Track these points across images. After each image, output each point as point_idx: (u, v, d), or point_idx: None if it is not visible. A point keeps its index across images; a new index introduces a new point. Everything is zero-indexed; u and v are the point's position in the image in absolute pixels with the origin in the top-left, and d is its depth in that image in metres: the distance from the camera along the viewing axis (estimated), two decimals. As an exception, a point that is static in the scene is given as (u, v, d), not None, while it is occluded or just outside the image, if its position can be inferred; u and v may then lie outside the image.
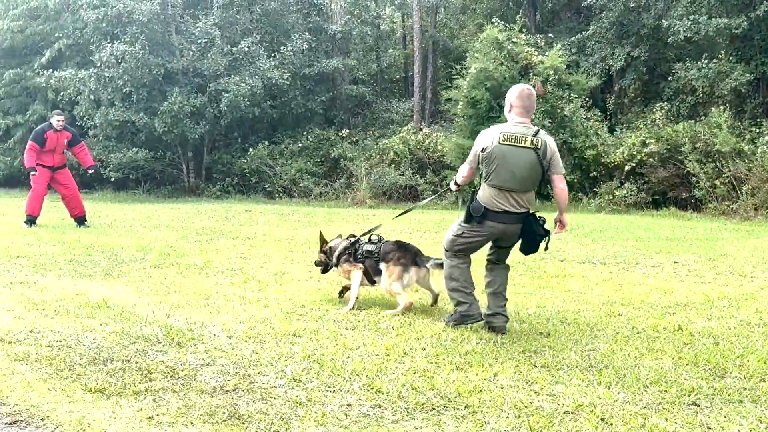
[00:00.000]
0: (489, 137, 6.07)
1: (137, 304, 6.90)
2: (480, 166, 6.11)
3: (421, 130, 22.15)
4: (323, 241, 7.59)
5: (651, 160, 17.62)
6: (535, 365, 5.06)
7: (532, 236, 6.17)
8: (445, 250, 6.41)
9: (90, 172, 14.72)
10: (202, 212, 17.12)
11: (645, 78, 22.67)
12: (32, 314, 6.46)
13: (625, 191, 17.61)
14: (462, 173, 6.38)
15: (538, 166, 5.99)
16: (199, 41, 21.49)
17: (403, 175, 20.40)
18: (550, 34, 21.69)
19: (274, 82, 21.27)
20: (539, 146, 5.97)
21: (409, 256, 6.91)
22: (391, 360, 5.15)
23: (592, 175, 18.44)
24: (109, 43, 20.70)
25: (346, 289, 7.33)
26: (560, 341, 5.71)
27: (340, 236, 7.68)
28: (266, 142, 22.66)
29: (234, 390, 4.53)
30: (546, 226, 6.17)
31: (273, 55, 22.07)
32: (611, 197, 17.68)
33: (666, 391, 4.54)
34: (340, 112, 24.81)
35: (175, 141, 21.66)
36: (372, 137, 23.16)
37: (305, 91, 23.97)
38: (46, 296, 7.22)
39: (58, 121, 13.66)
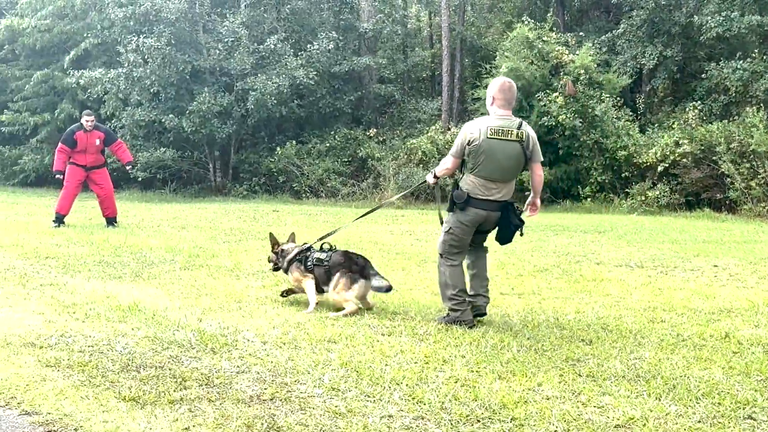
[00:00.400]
0: (476, 130, 6.27)
1: (168, 308, 6.80)
2: (466, 158, 6.33)
3: (449, 129, 21.97)
4: (275, 242, 7.74)
5: (684, 160, 17.36)
6: (579, 374, 4.90)
7: (508, 225, 6.46)
8: (440, 255, 6.62)
9: (128, 167, 14.54)
10: (230, 212, 17.05)
11: (676, 77, 22.37)
12: (63, 318, 6.38)
13: (657, 192, 17.36)
14: (445, 165, 6.57)
15: (522, 158, 6.28)
16: (225, 40, 21.42)
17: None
18: (581, 33, 21.41)
19: (301, 81, 21.14)
20: (524, 138, 6.25)
21: (357, 268, 6.99)
22: (431, 368, 5.01)
23: (623, 175, 18.18)
24: (134, 37, 20.68)
25: (290, 291, 7.45)
26: (603, 349, 5.54)
27: (293, 236, 7.89)
28: (293, 142, 22.57)
29: (271, 399, 4.40)
30: (522, 217, 6.49)
31: (299, 53, 21.96)
32: (644, 198, 17.43)
33: (719, 403, 4.37)
34: (367, 111, 24.67)
35: (202, 141, 21.63)
36: (399, 137, 23.01)
37: (333, 90, 23.86)
38: (76, 299, 7.14)
39: (87, 121, 13.62)
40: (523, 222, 6.46)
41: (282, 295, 7.43)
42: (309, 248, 7.47)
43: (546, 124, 17.84)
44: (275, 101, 20.91)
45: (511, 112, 6.35)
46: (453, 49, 23.02)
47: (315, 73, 21.64)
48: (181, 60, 20.81)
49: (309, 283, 7.14)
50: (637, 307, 7.10)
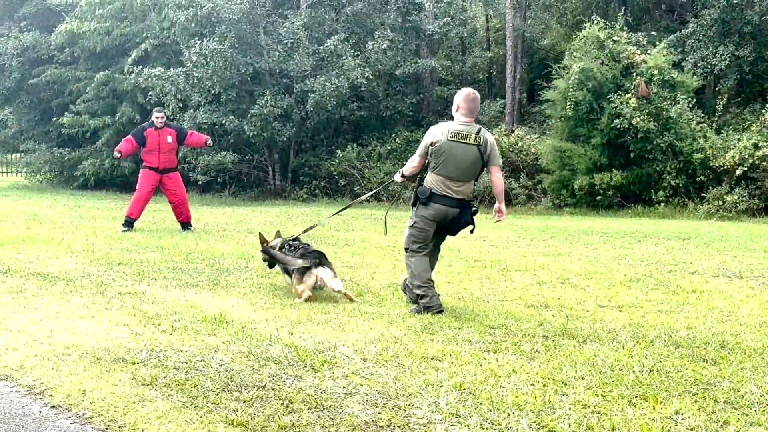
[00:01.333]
0: (439, 133, 7.06)
1: (256, 320, 6.55)
2: (429, 157, 7.11)
3: (512, 131, 21.54)
4: (263, 240, 8.56)
5: (764, 163, 16.72)
6: (716, 400, 4.51)
7: (462, 223, 7.29)
8: (406, 250, 7.32)
9: (210, 144, 14.16)
10: (293, 216, 16.84)
11: (747, 77, 21.67)
12: (149, 330, 6.16)
13: (735, 197, 16.74)
14: (411, 164, 7.36)
15: (479, 160, 7.06)
16: (285, 41, 21.24)
17: (495, 178, 19.80)
18: (653, 33, 20.82)
19: (356, 82, 20.85)
20: (481, 143, 7.03)
21: (314, 260, 7.79)
22: (551, 391, 4.67)
23: (698, 179, 17.58)
24: (198, 40, 20.60)
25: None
26: (732, 371, 5.13)
27: (278, 234, 8.80)
28: (354, 144, 22.31)
29: (389, 426, 4.11)
30: (474, 217, 7.34)
31: (357, 54, 21.70)
32: (721, 203, 16.83)
33: None
34: (428, 114, 24.32)
35: (263, 144, 21.47)
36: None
37: (394, 92, 23.56)
38: (159, 309, 6.92)
39: (158, 117, 13.31)
40: (473, 221, 7.31)
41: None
42: (286, 241, 8.43)
43: (618, 126, 17.33)
44: (334, 103, 20.67)
45: (473, 120, 7.18)
46: (516, 50, 22.56)
47: (371, 72, 21.27)
48: (243, 62, 20.67)
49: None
50: (752, 323, 6.67)
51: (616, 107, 17.45)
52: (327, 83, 20.32)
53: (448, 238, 7.78)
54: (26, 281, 8.25)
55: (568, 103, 18.03)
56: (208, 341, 5.80)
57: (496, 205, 7.40)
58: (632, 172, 17.74)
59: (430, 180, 7.15)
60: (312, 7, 22.53)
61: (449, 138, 6.98)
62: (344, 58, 21.35)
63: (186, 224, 13.70)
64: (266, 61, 21.33)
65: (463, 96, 7.19)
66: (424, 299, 7.00)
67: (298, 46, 21.06)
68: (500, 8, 30.13)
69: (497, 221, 7.53)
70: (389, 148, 22.17)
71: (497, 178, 7.25)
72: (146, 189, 13.55)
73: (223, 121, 20.48)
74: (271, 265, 8.50)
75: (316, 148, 22.97)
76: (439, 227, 7.29)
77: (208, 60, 20.28)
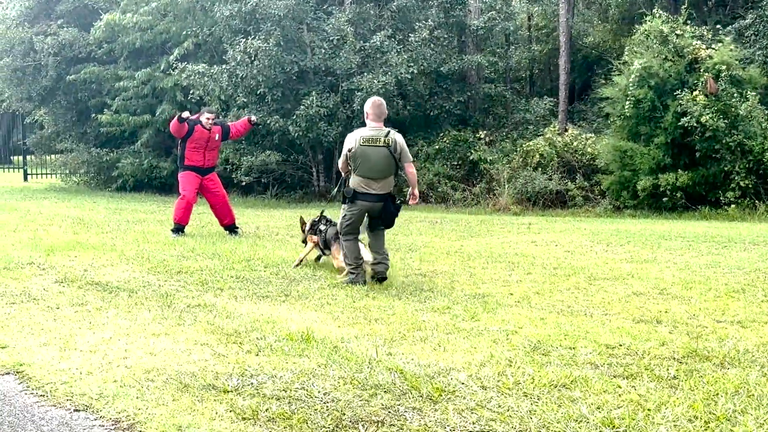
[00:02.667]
0: (353, 140, 8.26)
1: (345, 338, 6.00)
2: (349, 162, 8.31)
3: (566, 130, 20.84)
4: (304, 222, 10.08)
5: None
6: None
7: (389, 214, 8.55)
8: (340, 234, 8.65)
9: (254, 121, 13.53)
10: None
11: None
12: (232, 350, 5.63)
13: (812, 198, 15.98)
14: (340, 166, 8.61)
15: (391, 159, 8.23)
16: (331, 38, 20.68)
17: (551, 179, 19.13)
18: (718, 26, 20.00)
19: (401, 78, 20.23)
20: (390, 144, 8.19)
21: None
22: (716, 429, 4.06)
23: (770, 179, 16.82)
24: (243, 38, 20.09)
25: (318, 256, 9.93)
26: None
27: (302, 220, 10.23)
28: (404, 145, 21.70)
29: (547, 475, 3.51)
30: (402, 206, 8.85)
31: (400, 50, 21.08)
32: (793, 205, 16.08)
33: None
34: (474, 112, 23.65)
35: (307, 144, 20.92)
36: (510, 138, 21.96)
37: (440, 90, 22.93)
38: (235, 324, 6.39)
39: (208, 118, 12.75)
40: (398, 210, 8.64)
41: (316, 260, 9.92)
42: (318, 220, 9.79)
43: (686, 124, 16.58)
44: (395, 102, 20.11)
45: (382, 124, 8.36)
46: (567, 46, 21.81)
47: (415, 68, 20.61)
48: (288, 60, 20.14)
49: (310, 244, 9.79)
50: None
51: (681, 105, 16.69)
52: (374, 81, 19.73)
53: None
54: (86, 292, 7.75)
55: (628, 102, 17.27)
56: (301, 364, 5.25)
57: (410, 190, 8.69)
58: (698, 172, 16.98)
59: (354, 181, 8.37)
60: (357, 3, 21.96)
61: (361, 144, 8.19)
62: (389, 54, 20.76)
63: (232, 227, 13.18)
64: (311, 59, 20.79)
65: (371, 104, 8.35)
66: (352, 275, 8.43)
67: (345, 42, 20.48)
68: (545, 4, 29.51)
69: (412, 204, 9.09)
70: (437, 147, 21.50)
71: (410, 173, 8.52)
72: (192, 193, 12.95)
73: (268, 121, 19.93)
74: (304, 241, 9.99)
75: (361, 148, 22.41)
76: (370, 216, 8.56)
77: (253, 59, 19.76)
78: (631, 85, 17.30)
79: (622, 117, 17.90)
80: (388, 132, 8.27)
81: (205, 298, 7.55)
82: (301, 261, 9.66)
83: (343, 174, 8.63)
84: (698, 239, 12.05)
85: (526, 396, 4.60)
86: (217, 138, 12.89)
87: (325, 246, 9.48)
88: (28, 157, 33.27)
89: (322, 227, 9.60)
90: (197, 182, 12.87)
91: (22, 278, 8.45)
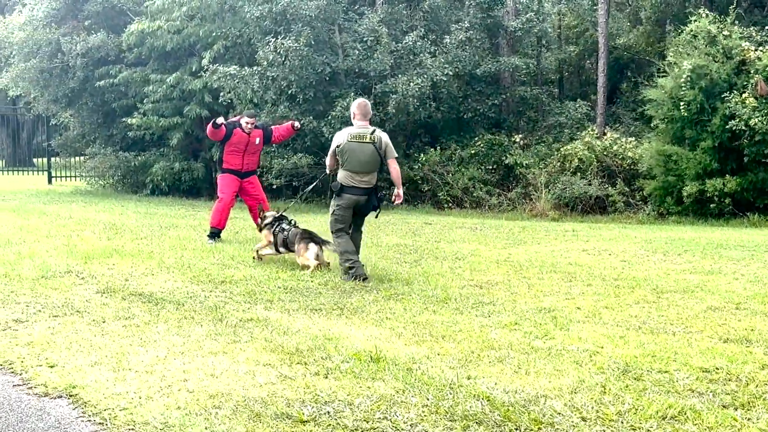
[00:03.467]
0: (341, 138, 8.99)
1: (416, 358, 5.60)
2: (337, 157, 9.01)
3: (605, 134, 20.35)
4: (264, 216, 10.68)
5: None
6: None
7: (369, 205, 9.15)
8: (332, 233, 9.24)
9: (298, 127, 12.86)
10: (380, 225, 15.85)
11: None
12: (298, 372, 5.25)
13: None
14: (328, 162, 9.31)
15: (376, 155, 8.93)
16: (365, 39, 20.28)
17: (590, 184, 18.65)
18: (767, 27, 19.45)
19: (435, 80, 19.78)
20: (376, 141, 8.91)
21: (308, 236, 9.87)
22: None
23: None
24: (273, 38, 19.71)
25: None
26: None
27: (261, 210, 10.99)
28: (437, 148, 21.26)
29: None
30: (391, 203, 9.51)
31: (434, 51, 20.64)
32: None
33: None
34: (509, 115, 23.19)
35: (340, 147, 20.51)
36: (545, 142, 21.49)
37: (475, 93, 22.48)
38: (295, 341, 6.01)
39: (248, 122, 12.32)
40: (380, 205, 9.28)
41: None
42: (280, 218, 10.49)
43: (734, 128, 16.07)
44: (417, 104, 19.66)
45: (368, 122, 9.12)
46: (606, 47, 21.29)
47: (450, 70, 20.16)
48: (320, 61, 19.75)
49: (263, 241, 10.52)
50: None
51: (730, 107, 16.19)
52: (410, 84, 19.31)
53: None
54: (130, 304, 7.40)
55: (683, 103, 16.70)
56: (376, 389, 4.86)
57: (395, 190, 9.44)
58: (746, 177, 16.46)
59: (341, 175, 9.03)
60: (388, 3, 21.55)
61: (349, 140, 8.92)
62: (422, 55, 20.35)
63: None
64: (341, 60, 20.41)
65: (356, 105, 9.17)
66: (352, 269, 8.86)
67: (378, 43, 20.07)
68: (576, 3, 29.01)
69: (396, 203, 9.59)
70: (472, 152, 21.03)
71: (394, 169, 9.21)
72: (230, 196, 12.58)
73: (301, 121, 19.54)
74: (260, 229, 10.68)
75: (392, 152, 21.94)
76: (354, 212, 9.15)
77: (284, 59, 19.38)
78: (682, 85, 16.75)
79: (666, 120, 17.40)
80: (374, 130, 9.03)
81: (256, 312, 7.17)
82: (260, 257, 10.42)
83: (328, 171, 9.43)
84: (759, 248, 11.58)
85: (635, 430, 4.19)
86: (257, 142, 12.51)
87: (284, 245, 10.08)
88: (51, 160, 33.04)
89: (285, 226, 10.25)
90: (236, 185, 12.50)
91: (62, 288, 8.10)
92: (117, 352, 5.71)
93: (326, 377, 5.12)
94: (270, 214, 10.67)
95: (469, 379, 5.09)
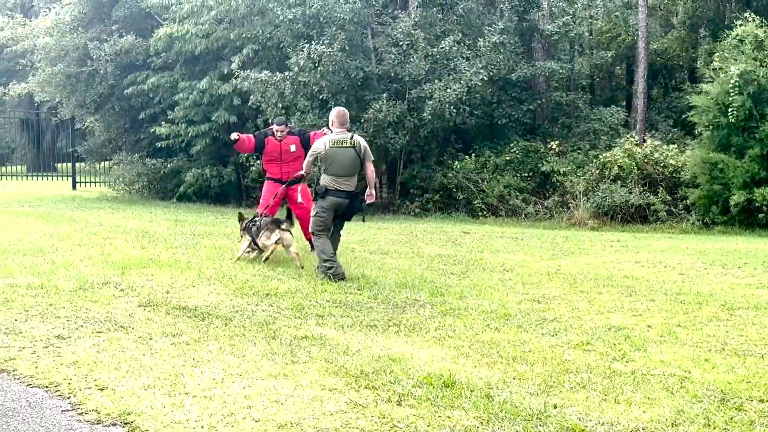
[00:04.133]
0: (322, 145, 9.40)
1: (491, 383, 5.21)
2: (318, 163, 9.61)
3: (644, 141, 19.87)
4: (242, 218, 11.34)
5: None
6: None
7: (352, 209, 9.61)
8: (312, 233, 9.73)
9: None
10: (417, 234, 15.49)
11: None
12: (369, 398, 4.90)
13: None
14: (304, 166, 9.96)
15: (357, 158, 9.38)
16: (400, 43, 19.91)
17: (631, 192, 18.19)
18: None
19: (470, 85, 19.35)
20: (356, 145, 9.37)
21: (274, 224, 10.55)
22: None
23: None
24: (306, 43, 19.38)
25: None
26: None
27: (241, 216, 11.51)
28: (472, 155, 20.85)
29: None
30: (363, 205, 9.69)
31: (469, 56, 20.24)
32: None
33: None
34: (543, 121, 22.74)
35: (373, 152, 20.12)
36: (582, 149, 21.03)
37: (509, 98, 22.05)
38: (357, 363, 5.67)
39: (278, 130, 11.99)
40: (363, 208, 9.70)
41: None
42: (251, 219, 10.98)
43: (786, 136, 15.63)
44: (454, 110, 19.27)
45: (346, 129, 9.57)
46: (646, 52, 20.84)
47: (485, 75, 19.75)
48: (353, 66, 19.39)
49: (246, 242, 10.93)
50: None
51: (780, 115, 15.74)
52: (447, 89, 18.93)
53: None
54: (176, 319, 7.05)
55: (729, 110, 16.22)
56: (458, 419, 4.51)
57: (368, 190, 9.70)
58: (795, 191, 15.97)
59: (324, 179, 9.47)
60: (422, 7, 21.21)
61: (331, 146, 9.33)
62: (457, 60, 19.97)
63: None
64: (374, 64, 20.06)
65: (335, 113, 9.61)
66: (331, 269, 9.35)
67: (416, 48, 19.69)
68: (609, 8, 28.62)
69: (368, 202, 9.74)
70: (507, 158, 20.59)
71: (370, 171, 9.62)
72: (266, 202, 12.14)
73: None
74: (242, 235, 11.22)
75: (425, 158, 21.48)
76: (336, 215, 9.60)
77: (317, 64, 19.03)
78: (730, 91, 16.27)
79: (712, 127, 16.92)
80: (353, 135, 9.52)
81: (309, 328, 6.81)
82: (240, 256, 10.84)
83: (304, 173, 10.13)
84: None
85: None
86: (293, 149, 12.02)
87: (258, 236, 10.62)
88: (75, 165, 32.84)
89: (257, 219, 10.85)
90: (275, 190, 12.10)
91: (103, 301, 7.77)
92: (170, 373, 5.36)
93: (400, 404, 4.75)
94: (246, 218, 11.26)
95: (555, 408, 4.70)
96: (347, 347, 6.12)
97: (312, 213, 9.67)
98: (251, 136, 12.36)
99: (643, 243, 14.05)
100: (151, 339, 6.33)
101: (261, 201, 12.17)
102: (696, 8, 28.34)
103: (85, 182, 31.99)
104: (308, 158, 9.74)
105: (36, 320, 6.94)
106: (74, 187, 31.42)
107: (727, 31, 18.33)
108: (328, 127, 9.93)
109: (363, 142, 9.56)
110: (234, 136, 12.02)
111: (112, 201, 24.01)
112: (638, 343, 6.41)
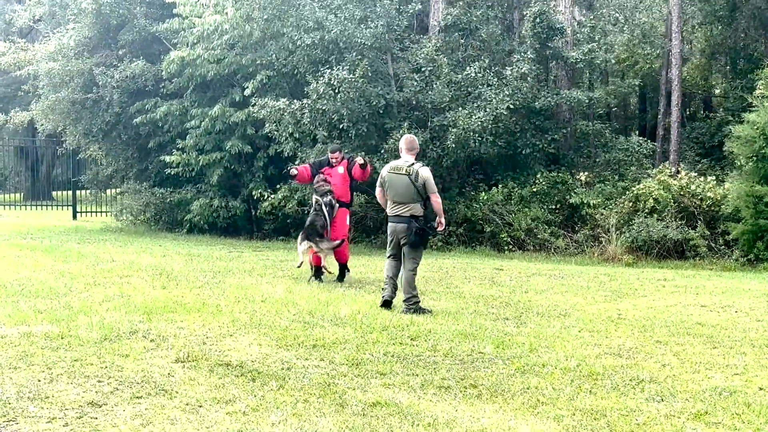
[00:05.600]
0: (384, 171, 9.82)
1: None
2: (383, 189, 9.84)
3: (678, 172, 19.09)
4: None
5: None
6: None
7: (410, 232, 9.57)
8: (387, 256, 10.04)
9: (362, 162, 12.51)
10: (449, 270, 14.67)
11: None
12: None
13: None
14: (377, 195, 10.20)
15: (411, 186, 9.51)
16: (423, 69, 19.18)
17: (668, 227, 17.37)
18: None
19: (497, 113, 18.59)
20: (411, 173, 9.52)
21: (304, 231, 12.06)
22: None
23: None
24: (327, 68, 18.64)
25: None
26: None
27: None
28: (499, 186, 20.04)
29: None
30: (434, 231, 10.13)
31: (497, 83, 19.47)
32: None
33: None
34: (568, 151, 21.94)
35: (394, 184, 19.31)
36: (610, 180, 20.26)
37: (532, 127, 21.29)
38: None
39: (333, 158, 12.61)
40: (422, 234, 9.71)
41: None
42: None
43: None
44: (479, 139, 18.50)
45: (414, 156, 9.77)
46: (679, 78, 20.12)
47: (510, 103, 18.99)
48: (374, 93, 18.63)
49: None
50: None
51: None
52: (472, 117, 18.17)
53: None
54: (223, 379, 6.22)
55: (765, 139, 15.53)
56: None
57: (437, 218, 9.90)
58: None
59: (387, 205, 9.86)
60: (445, 31, 20.52)
61: (389, 171, 9.75)
62: (482, 87, 19.24)
63: (342, 266, 12.71)
64: (395, 91, 19.30)
65: (402, 140, 10.01)
66: (383, 291, 9.94)
67: (439, 74, 18.97)
68: (630, 35, 27.96)
69: (439, 230, 10.21)
70: (535, 190, 19.77)
71: (435, 203, 9.78)
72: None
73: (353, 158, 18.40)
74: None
75: (447, 189, 20.65)
76: (400, 242, 9.82)
77: (336, 91, 18.26)
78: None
79: (756, 158, 16.17)
80: (413, 164, 9.64)
81: (377, 391, 5.99)
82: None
83: (381, 202, 10.25)
84: None
85: None
86: (341, 171, 12.62)
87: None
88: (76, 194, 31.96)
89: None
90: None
91: (134, 355, 6.92)
92: (235, 456, 4.52)
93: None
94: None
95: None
96: (434, 419, 5.29)
97: None
98: (307, 166, 13.19)
99: (693, 282, 13.26)
100: (200, 407, 5.49)
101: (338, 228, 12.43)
102: (714, 35, 27.89)
103: (86, 212, 31.17)
104: (377, 187, 10.06)
105: (63, 381, 6.10)
106: (74, 217, 30.59)
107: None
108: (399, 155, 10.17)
109: (424, 173, 9.59)
110: (293, 171, 13.01)
111: (117, 233, 23.17)
112: (764, 413, 5.58)
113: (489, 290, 12.02)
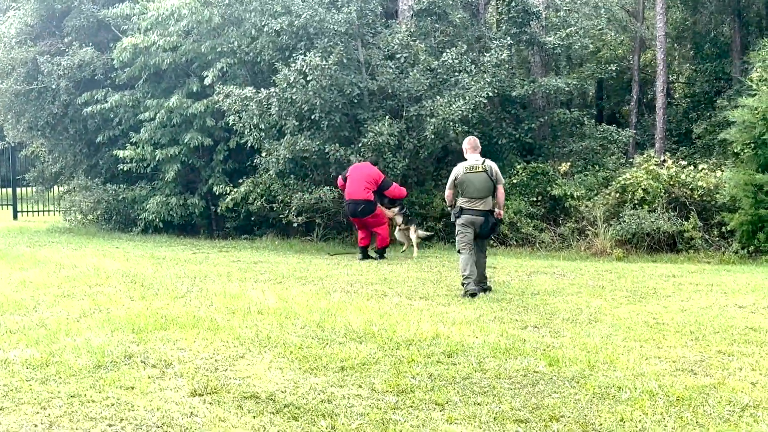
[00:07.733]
0: (458, 171, 10.79)
1: None
2: (456, 188, 10.89)
3: (664, 161, 18.47)
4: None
5: None
6: None
7: (488, 224, 10.78)
8: (458, 251, 11.00)
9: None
10: (442, 270, 13.80)
11: None
12: None
13: None
14: (446, 196, 11.27)
15: (489, 181, 10.66)
16: (397, 56, 18.23)
17: (660, 219, 16.70)
18: None
19: (477, 103, 17.73)
20: (487, 169, 10.68)
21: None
22: None
23: None
24: (300, 54, 17.55)
25: None
26: None
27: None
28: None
29: None
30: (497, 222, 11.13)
31: (475, 71, 18.60)
32: None
33: None
34: (544, 141, 21.19)
35: (370, 179, 18.32)
36: (591, 171, 19.59)
37: (509, 116, 20.49)
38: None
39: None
40: (497, 223, 11.10)
41: None
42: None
43: None
44: (459, 129, 17.61)
45: (479, 154, 10.90)
46: (665, 64, 19.52)
47: (489, 90, 18.14)
48: (347, 81, 17.61)
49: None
50: None
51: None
52: (452, 105, 17.28)
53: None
54: (260, 419, 5.26)
55: (764, 125, 14.93)
56: None
57: (496, 210, 10.91)
58: None
59: (460, 201, 10.78)
60: (417, 15, 19.60)
61: (465, 172, 10.66)
62: (458, 75, 18.36)
63: (363, 249, 16.14)
64: (368, 79, 18.30)
65: (467, 141, 11.04)
66: (464, 284, 10.55)
67: (414, 61, 18.05)
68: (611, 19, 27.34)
69: (498, 216, 10.99)
70: (515, 181, 18.97)
71: (500, 193, 10.80)
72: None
73: (327, 150, 17.34)
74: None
75: (423, 183, 19.72)
76: (475, 234, 10.74)
77: (308, 79, 17.18)
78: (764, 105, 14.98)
79: (755, 145, 15.58)
80: (484, 161, 10.73)
81: (442, 428, 5.06)
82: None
83: (448, 203, 11.29)
84: None
85: None
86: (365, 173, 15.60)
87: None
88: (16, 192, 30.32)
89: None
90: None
91: (140, 388, 5.91)
92: None
93: None
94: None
95: None
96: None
97: (456, 233, 10.93)
98: (339, 177, 16.25)
99: (707, 279, 12.57)
100: (247, 459, 4.51)
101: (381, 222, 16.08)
102: (680, 19, 27.53)
103: (28, 211, 29.63)
104: (448, 185, 11.01)
105: (64, 426, 5.08)
106: (15, 217, 29.08)
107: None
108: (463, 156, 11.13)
109: (495, 167, 10.82)
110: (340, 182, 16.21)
111: (66, 233, 21.89)
112: None
113: (496, 293, 11.14)
